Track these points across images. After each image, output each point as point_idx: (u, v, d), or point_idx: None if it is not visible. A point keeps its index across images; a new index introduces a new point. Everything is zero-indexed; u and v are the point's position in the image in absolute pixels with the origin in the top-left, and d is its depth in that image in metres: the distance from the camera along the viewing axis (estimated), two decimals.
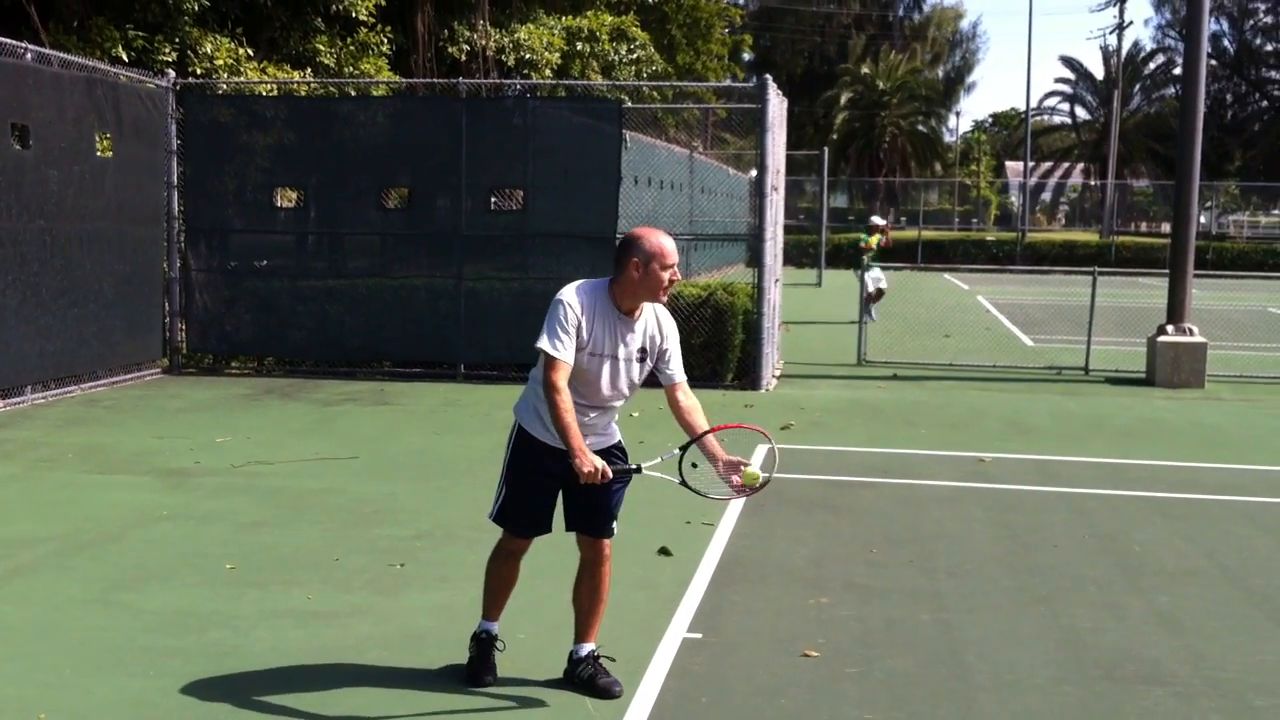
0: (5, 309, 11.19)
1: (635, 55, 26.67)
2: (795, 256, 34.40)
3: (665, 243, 4.63)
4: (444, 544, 6.99)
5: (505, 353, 13.46)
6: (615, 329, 4.66)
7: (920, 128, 65.99)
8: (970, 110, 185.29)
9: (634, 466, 4.66)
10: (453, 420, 11.22)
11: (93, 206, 12.43)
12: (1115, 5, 57.56)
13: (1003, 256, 42.47)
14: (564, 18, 25.48)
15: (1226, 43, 66.30)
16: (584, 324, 4.58)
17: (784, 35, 68.73)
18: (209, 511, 7.66)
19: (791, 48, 69.05)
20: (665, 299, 4.71)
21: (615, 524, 4.86)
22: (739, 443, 5.22)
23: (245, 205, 14.33)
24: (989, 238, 46.79)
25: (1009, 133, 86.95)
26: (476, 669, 4.91)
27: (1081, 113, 73.94)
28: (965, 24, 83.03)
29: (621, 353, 4.68)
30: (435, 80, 18.43)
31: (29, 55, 11.59)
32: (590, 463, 4.42)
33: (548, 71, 23.03)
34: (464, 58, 21.66)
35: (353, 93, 16.49)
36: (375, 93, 16.73)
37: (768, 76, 13.70)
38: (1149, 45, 77.14)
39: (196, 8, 15.83)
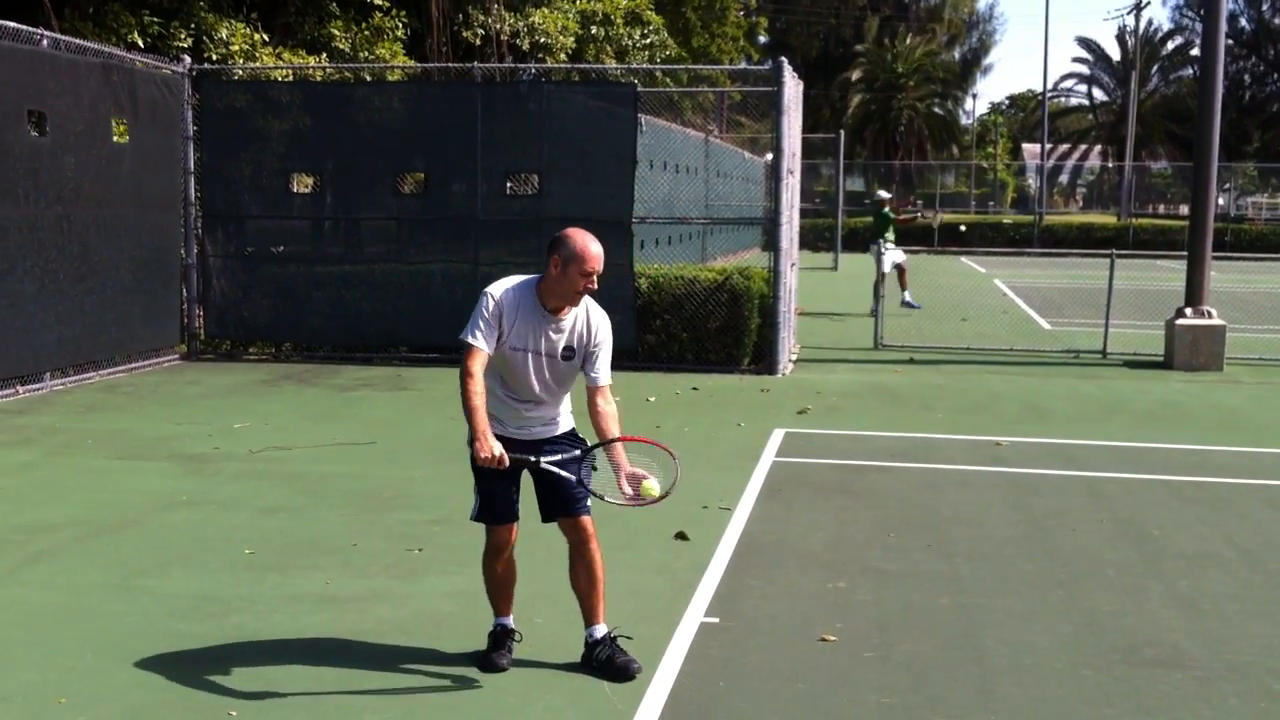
0: (24, 296, 11.24)
1: (650, 40, 26.62)
2: (811, 240, 34.30)
3: (591, 247, 4.67)
4: (462, 529, 6.97)
5: None
6: (538, 325, 4.74)
7: (937, 110, 65.73)
8: (987, 92, 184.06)
9: (576, 452, 4.81)
10: None
11: (110, 193, 12.46)
12: None
13: (1020, 239, 42.31)
14: (578, 1, 25.42)
15: (1244, 22, 65.82)
16: (505, 317, 4.71)
17: (799, 17, 68.45)
18: (228, 497, 7.70)
19: (807, 30, 68.80)
20: (579, 303, 4.78)
21: (589, 500, 4.87)
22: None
23: (262, 191, 14.36)
24: (1006, 220, 46.58)
25: (1026, 115, 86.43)
26: (492, 655, 4.96)
27: (1099, 94, 73.61)
28: (982, 5, 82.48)
29: (545, 348, 4.76)
30: (450, 65, 18.44)
31: (45, 42, 11.61)
32: (488, 448, 4.55)
33: (562, 56, 23.01)
34: (479, 42, 21.66)
35: (368, 78, 16.47)
36: (390, 78, 16.71)
37: (783, 59, 13.65)
38: (1166, 25, 76.69)
39: None
